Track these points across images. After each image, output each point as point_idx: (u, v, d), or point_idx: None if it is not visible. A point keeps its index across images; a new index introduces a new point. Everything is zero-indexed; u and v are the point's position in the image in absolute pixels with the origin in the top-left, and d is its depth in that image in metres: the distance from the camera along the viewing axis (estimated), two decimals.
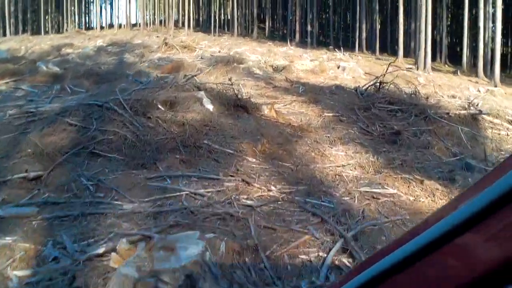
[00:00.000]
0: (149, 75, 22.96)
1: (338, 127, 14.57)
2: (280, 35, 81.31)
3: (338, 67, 31.51)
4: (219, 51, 39.49)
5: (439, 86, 28.50)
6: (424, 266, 1.12)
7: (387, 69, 22.45)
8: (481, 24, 46.33)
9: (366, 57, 51.38)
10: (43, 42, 53.51)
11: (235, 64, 27.36)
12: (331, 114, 15.90)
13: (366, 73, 32.45)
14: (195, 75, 18.84)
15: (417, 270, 1.14)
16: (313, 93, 19.62)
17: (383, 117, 15.69)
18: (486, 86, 36.29)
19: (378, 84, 20.19)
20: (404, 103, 17.27)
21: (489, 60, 46.25)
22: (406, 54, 53.47)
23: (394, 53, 57.91)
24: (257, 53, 39.83)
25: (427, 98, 19.69)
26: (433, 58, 50.77)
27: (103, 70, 27.48)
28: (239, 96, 15.35)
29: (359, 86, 21.55)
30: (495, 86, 38.17)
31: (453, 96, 23.47)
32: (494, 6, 46.88)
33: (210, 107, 13.60)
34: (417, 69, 43.75)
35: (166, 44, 38.51)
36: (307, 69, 29.37)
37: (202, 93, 14.22)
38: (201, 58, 32.81)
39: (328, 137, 13.60)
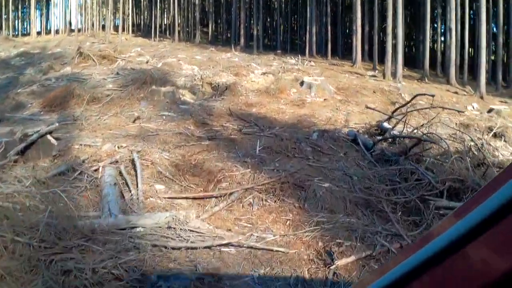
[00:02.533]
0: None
1: None
2: (223, 39, 73.13)
3: (302, 84, 22.45)
4: (147, 62, 30.02)
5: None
6: (440, 270, 1.08)
7: (409, 101, 15.31)
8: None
9: (319, 62, 43.24)
10: None
11: (154, 86, 18.51)
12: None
13: (338, 89, 23.66)
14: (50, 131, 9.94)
15: (433, 275, 1.09)
16: (281, 158, 11.22)
17: None
18: (472, 98, 30.35)
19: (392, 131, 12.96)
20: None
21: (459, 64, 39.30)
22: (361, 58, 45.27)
23: (346, 57, 51.25)
24: (195, 62, 31.16)
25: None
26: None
27: None
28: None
29: (357, 132, 11.94)
30: (481, 97, 31.34)
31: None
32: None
33: None
34: (383, 77, 35.26)
35: (81, 54, 28.84)
36: (259, 87, 21.28)
37: None
38: (117, 73, 23.67)
39: None
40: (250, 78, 22.37)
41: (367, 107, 18.93)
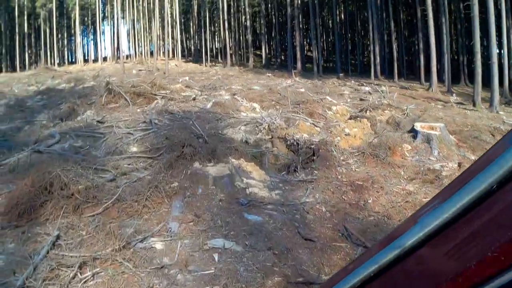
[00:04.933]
0: None
1: None
2: (278, 62, 66.10)
3: (414, 135, 14.79)
4: (195, 98, 22.72)
5: None
6: (402, 268, 1.06)
7: None
8: None
9: (388, 86, 34.59)
10: None
11: (198, 163, 10.91)
12: None
13: (458, 142, 15.56)
14: None
15: (398, 272, 1.08)
16: None
17: None
18: None
19: None
20: None
21: None
22: (428, 79, 38.57)
23: (410, 77, 46.24)
24: (254, 97, 23.80)
25: None
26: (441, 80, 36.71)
27: None
28: None
29: None
30: None
31: None
32: None
33: None
34: (473, 104, 27.60)
35: (109, 91, 21.43)
36: (357, 144, 14.17)
37: None
38: (150, 122, 16.43)
39: None
40: (341, 129, 14.47)
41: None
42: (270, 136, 13.86)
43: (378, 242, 1.31)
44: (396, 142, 12.95)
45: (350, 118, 15.72)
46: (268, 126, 14.33)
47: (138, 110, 19.49)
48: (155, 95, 21.66)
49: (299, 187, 10.27)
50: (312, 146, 11.87)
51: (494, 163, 0.90)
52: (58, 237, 7.47)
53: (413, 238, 0.98)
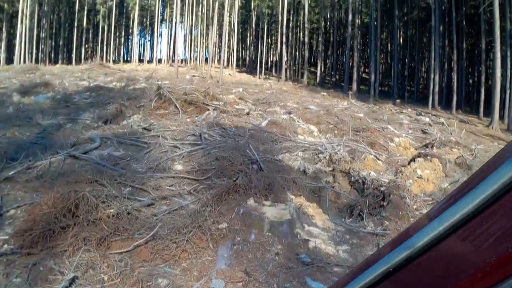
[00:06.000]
0: None
1: None
2: (332, 81, 64.25)
3: None
4: (248, 113, 20.93)
5: None
6: (415, 268, 1.03)
7: None
8: None
9: (446, 118, 32.18)
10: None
11: (253, 200, 9.00)
12: None
13: None
14: None
15: (410, 271, 1.04)
16: None
17: None
18: None
19: None
20: None
21: None
22: (487, 114, 37.31)
23: (470, 112, 43.34)
24: (311, 117, 21.89)
25: None
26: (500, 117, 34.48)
27: None
28: None
29: None
30: None
31: None
32: None
33: None
34: None
35: (160, 96, 20.02)
36: (430, 189, 12.75)
37: None
38: (200, 137, 14.97)
39: None
40: (412, 170, 12.44)
41: None
42: (331, 168, 12.08)
43: (390, 242, 1.20)
44: None
45: (419, 156, 13.70)
46: (330, 156, 12.56)
47: (188, 119, 18.08)
48: (207, 105, 20.13)
49: (368, 242, 8.48)
50: (382, 189, 10.01)
51: (507, 162, 0.85)
52: (73, 279, 5.89)
53: (427, 237, 0.95)
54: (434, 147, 17.04)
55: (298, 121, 19.75)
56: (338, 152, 12.69)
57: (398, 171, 12.51)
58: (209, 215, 7.65)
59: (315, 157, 13.04)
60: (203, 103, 20.09)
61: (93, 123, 17.13)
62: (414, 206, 10.08)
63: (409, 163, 13.15)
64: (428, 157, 13.38)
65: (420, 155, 14.05)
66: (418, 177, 11.96)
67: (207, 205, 8.22)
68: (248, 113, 20.63)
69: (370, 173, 11.37)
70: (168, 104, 19.39)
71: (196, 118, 18.29)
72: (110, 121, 17.48)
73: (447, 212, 0.92)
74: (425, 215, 1.12)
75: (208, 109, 19.56)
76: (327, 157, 12.59)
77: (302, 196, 9.48)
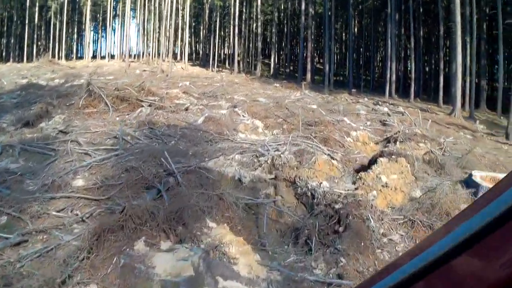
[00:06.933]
0: None
1: None
2: (286, 73, 62.36)
3: (471, 186, 10.17)
4: (187, 108, 18.65)
5: None
6: (434, 278, 0.99)
7: None
8: None
9: (405, 107, 30.77)
10: None
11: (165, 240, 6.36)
12: None
13: None
14: None
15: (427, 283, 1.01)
16: None
17: None
18: None
19: None
20: None
21: None
22: (446, 101, 36.38)
23: (428, 100, 41.39)
24: (258, 111, 19.27)
25: None
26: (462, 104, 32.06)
27: None
28: None
29: None
30: None
31: None
32: None
33: None
34: (506, 137, 23.30)
35: (90, 93, 17.65)
36: (398, 202, 9.55)
37: None
38: (122, 140, 12.58)
39: None
40: (374, 176, 9.53)
41: None
42: (273, 176, 9.39)
43: (407, 252, 1.22)
44: (452, 203, 8.45)
45: (381, 155, 11.08)
46: (272, 160, 9.88)
47: (117, 118, 15.59)
48: (142, 101, 17.82)
49: None
50: (337, 206, 7.36)
51: None
52: None
53: (445, 249, 0.93)
54: (398, 142, 14.54)
55: (243, 116, 17.23)
56: (282, 155, 10.00)
57: (358, 177, 9.66)
58: (77, 269, 4.94)
59: (255, 160, 10.35)
60: (137, 99, 17.88)
61: (10, 127, 14.60)
62: (381, 231, 7.42)
63: (370, 166, 10.40)
64: (393, 157, 10.74)
65: (382, 154, 11.44)
66: (383, 186, 9.19)
67: (83, 248, 5.52)
68: (187, 109, 18.08)
69: (321, 183, 8.66)
70: (98, 101, 17.15)
71: (127, 116, 15.88)
72: (32, 123, 15.07)
73: (461, 227, 0.89)
74: (443, 228, 1.09)
75: (143, 106, 17.09)
76: (269, 161, 9.92)
77: (226, 224, 6.77)
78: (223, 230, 6.44)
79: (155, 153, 9.90)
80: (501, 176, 9.99)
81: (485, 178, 9.82)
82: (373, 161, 10.97)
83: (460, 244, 0.90)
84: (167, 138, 12.95)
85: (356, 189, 8.80)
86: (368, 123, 19.97)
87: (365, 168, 10.70)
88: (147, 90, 19.22)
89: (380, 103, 31.50)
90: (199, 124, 14.81)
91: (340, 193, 8.14)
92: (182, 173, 8.77)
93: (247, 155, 10.82)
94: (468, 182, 9.95)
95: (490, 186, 9.36)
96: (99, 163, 10.04)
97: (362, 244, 6.79)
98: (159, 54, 65.10)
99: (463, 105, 32.75)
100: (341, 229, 6.94)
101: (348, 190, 8.51)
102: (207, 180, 8.72)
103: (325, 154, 11.57)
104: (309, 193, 8.38)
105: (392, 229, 7.52)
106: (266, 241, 7.34)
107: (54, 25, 71.29)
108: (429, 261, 0.95)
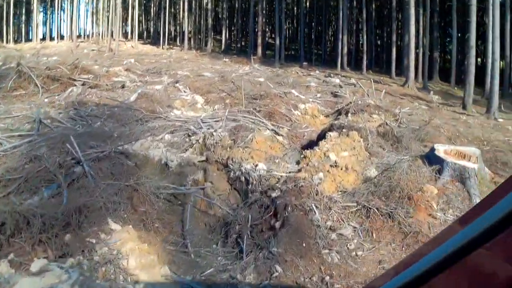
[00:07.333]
0: None
1: None
2: (238, 48, 60.08)
3: (434, 162, 8.56)
4: (123, 86, 17.16)
5: None
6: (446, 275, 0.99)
7: None
8: None
9: (358, 79, 29.50)
10: None
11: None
12: None
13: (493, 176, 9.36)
14: None
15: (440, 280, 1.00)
16: None
17: None
18: None
19: None
20: None
21: None
22: (398, 73, 35.98)
23: (380, 72, 40.34)
24: (200, 86, 17.93)
25: None
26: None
27: None
28: None
29: None
30: None
31: None
32: None
33: None
34: (463, 107, 22.39)
35: (20, 75, 16.03)
36: (349, 185, 7.56)
37: None
38: (40, 122, 10.82)
39: None
40: (322, 153, 8.07)
41: None
42: (204, 158, 7.94)
43: (420, 249, 1.30)
44: (413, 183, 7.10)
45: (331, 129, 9.72)
46: (204, 139, 8.40)
47: (46, 100, 14.00)
48: (75, 80, 16.16)
49: None
50: (273, 195, 5.95)
51: None
52: None
53: (459, 244, 0.92)
54: (349, 114, 13.22)
55: (184, 91, 15.76)
56: (214, 133, 8.53)
57: (302, 156, 8.29)
58: None
59: (186, 140, 8.87)
60: (69, 78, 16.26)
61: None
62: (329, 223, 6.02)
63: (317, 141, 9.03)
64: (344, 130, 9.39)
65: (332, 127, 10.11)
66: (331, 166, 7.71)
67: None
68: (123, 86, 16.49)
69: (256, 165, 7.25)
70: (28, 82, 15.55)
71: (57, 97, 14.28)
72: None
73: (477, 222, 0.87)
74: (457, 221, 1.12)
75: (75, 85, 15.47)
76: (201, 141, 8.46)
77: (131, 226, 5.28)
78: (126, 234, 4.98)
79: (66, 138, 8.34)
80: (466, 149, 8.75)
81: (449, 153, 8.48)
82: (322, 136, 9.63)
83: (475, 239, 0.86)
84: (93, 119, 11.41)
85: (298, 171, 7.37)
86: (319, 95, 18.69)
87: (314, 144, 9.30)
88: (81, 68, 17.59)
89: (332, 75, 30.34)
90: (131, 102, 13.24)
91: (280, 175, 6.77)
92: (93, 160, 7.28)
93: (179, 134, 9.35)
94: (430, 158, 8.63)
95: (456, 161, 8.11)
96: (6, 153, 8.43)
97: (304, 244, 5.45)
98: (112, 34, 63.32)
99: (416, 76, 32.23)
100: (277, 224, 5.58)
101: (290, 172, 7.13)
102: (122, 167, 7.22)
103: (269, 129, 10.19)
104: (243, 177, 7.00)
105: (343, 221, 6.17)
106: (189, 240, 5.94)
107: (1, 6, 68.20)
108: (445, 256, 0.92)
